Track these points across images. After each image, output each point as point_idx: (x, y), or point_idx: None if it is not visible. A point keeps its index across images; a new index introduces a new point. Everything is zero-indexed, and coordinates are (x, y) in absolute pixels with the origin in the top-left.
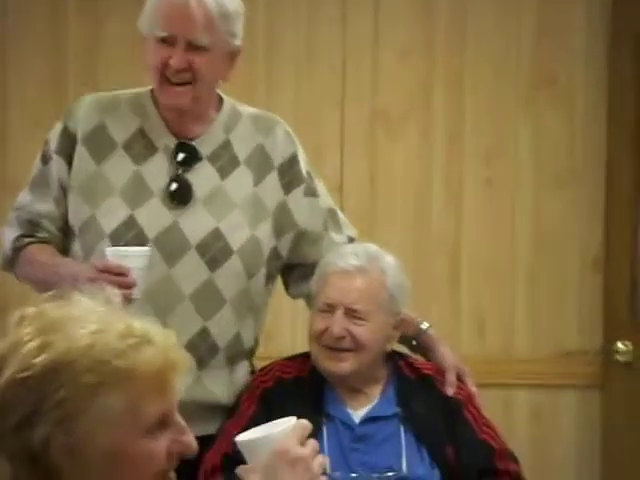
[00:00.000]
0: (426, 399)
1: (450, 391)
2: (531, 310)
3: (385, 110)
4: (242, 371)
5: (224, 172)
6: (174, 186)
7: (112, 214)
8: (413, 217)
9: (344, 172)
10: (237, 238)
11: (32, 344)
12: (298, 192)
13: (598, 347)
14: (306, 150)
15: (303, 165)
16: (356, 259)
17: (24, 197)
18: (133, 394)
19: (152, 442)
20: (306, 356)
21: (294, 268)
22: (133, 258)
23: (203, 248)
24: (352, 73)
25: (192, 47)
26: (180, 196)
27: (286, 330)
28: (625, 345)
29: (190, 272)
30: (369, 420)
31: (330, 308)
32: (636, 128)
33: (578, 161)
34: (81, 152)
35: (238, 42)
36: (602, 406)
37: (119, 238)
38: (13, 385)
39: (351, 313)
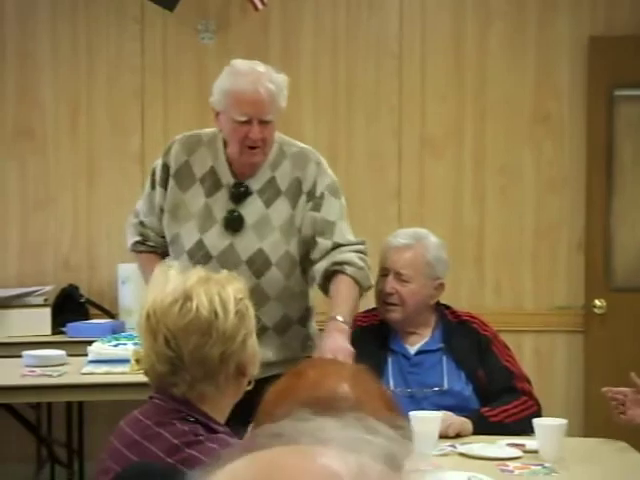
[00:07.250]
0: (463, 336)
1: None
2: None
3: None
4: (294, 332)
5: (269, 202)
6: (230, 218)
7: (189, 236)
8: None
9: None
10: (275, 254)
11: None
12: (308, 207)
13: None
14: None
15: (320, 187)
16: (405, 238)
17: (140, 206)
18: None
19: None
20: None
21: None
22: None
23: (250, 263)
24: None
25: (263, 122)
26: (234, 225)
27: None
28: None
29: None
30: (421, 352)
31: (385, 272)
32: None
33: None
34: (172, 184)
35: (285, 103)
36: (585, 346)
37: (193, 255)
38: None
39: (399, 277)
